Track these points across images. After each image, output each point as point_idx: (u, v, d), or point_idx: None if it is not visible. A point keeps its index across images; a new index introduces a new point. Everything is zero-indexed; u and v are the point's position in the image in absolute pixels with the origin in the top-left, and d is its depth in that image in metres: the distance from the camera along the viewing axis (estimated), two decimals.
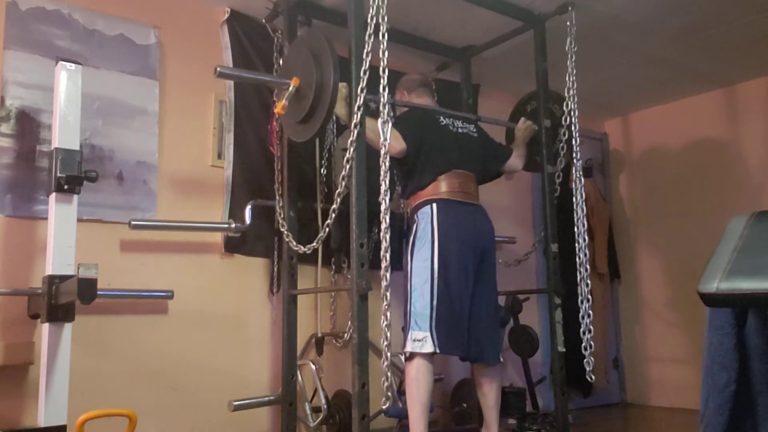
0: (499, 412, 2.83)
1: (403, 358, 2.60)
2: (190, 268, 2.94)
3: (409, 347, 2.55)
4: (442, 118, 2.90)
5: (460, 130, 2.91)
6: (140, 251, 2.82)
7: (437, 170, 2.74)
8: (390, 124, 2.43)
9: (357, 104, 2.36)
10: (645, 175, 4.73)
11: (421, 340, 2.54)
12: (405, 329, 2.62)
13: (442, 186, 2.73)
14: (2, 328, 2.46)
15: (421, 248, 2.64)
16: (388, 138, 2.36)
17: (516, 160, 3.15)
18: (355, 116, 2.37)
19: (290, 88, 2.46)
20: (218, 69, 2.43)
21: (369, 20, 2.37)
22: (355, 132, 2.37)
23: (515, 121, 3.32)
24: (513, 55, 3.63)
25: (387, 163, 2.32)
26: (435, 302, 2.56)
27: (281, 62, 3.05)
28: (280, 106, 2.45)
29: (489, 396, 2.78)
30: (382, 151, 2.34)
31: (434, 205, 2.68)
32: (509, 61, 3.74)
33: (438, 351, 2.54)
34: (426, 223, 2.67)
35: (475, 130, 3.01)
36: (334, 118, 3.29)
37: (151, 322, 2.80)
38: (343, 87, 2.41)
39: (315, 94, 2.40)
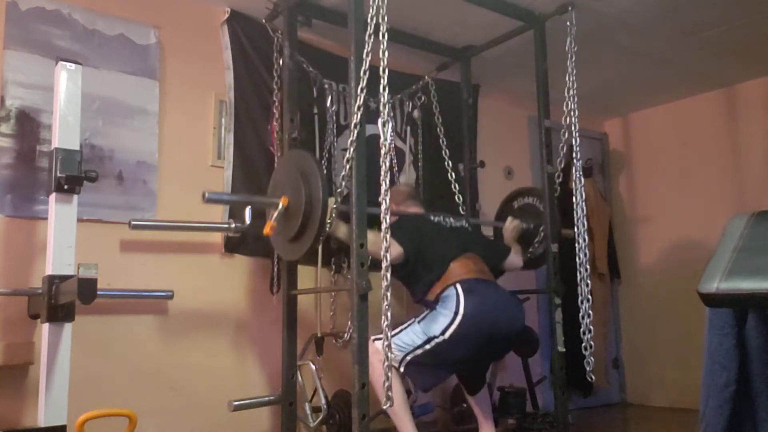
0: (490, 410, 2.90)
1: (386, 332, 2.46)
2: (190, 268, 2.93)
3: (381, 347, 2.43)
4: (433, 217, 2.92)
5: (454, 225, 2.94)
6: (140, 251, 2.82)
7: (446, 258, 2.69)
8: (390, 125, 2.43)
9: (357, 104, 2.36)
10: (645, 175, 4.73)
11: (396, 355, 2.55)
12: (398, 326, 2.63)
13: (457, 269, 2.66)
14: (2, 328, 2.46)
15: (444, 314, 2.56)
16: (388, 138, 2.36)
17: (515, 257, 3.13)
18: (356, 116, 2.36)
19: (279, 207, 2.43)
20: (206, 195, 2.35)
21: (369, 20, 2.37)
22: (355, 132, 2.37)
23: (503, 219, 3.35)
24: (513, 55, 3.63)
25: (387, 163, 2.32)
26: (426, 349, 2.55)
27: (282, 62, 3.05)
28: (268, 227, 2.39)
29: (476, 401, 2.88)
30: (384, 264, 2.22)
31: (458, 285, 2.60)
32: (509, 61, 3.74)
33: (401, 371, 2.59)
34: (452, 301, 2.56)
35: (468, 225, 3.04)
36: (334, 118, 3.33)
37: (151, 322, 2.80)
38: (331, 202, 2.39)
39: (305, 212, 2.37)
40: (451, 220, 2.96)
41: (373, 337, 2.50)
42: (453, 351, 2.55)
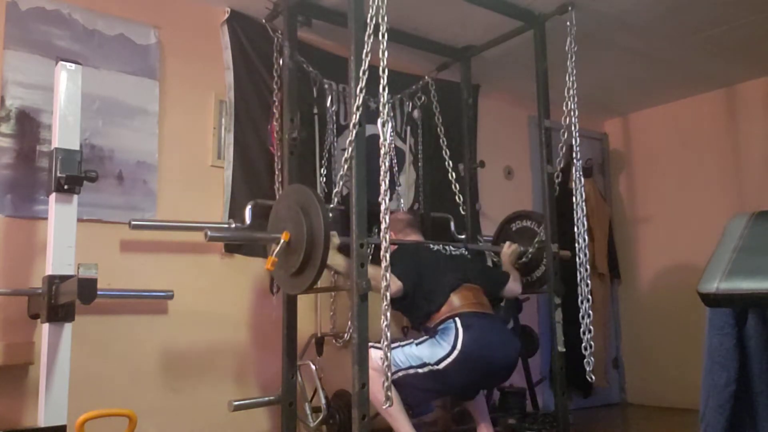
0: (487, 412, 2.91)
1: (386, 332, 2.43)
2: (190, 268, 2.93)
3: (375, 355, 2.45)
4: (432, 246, 2.92)
5: (454, 253, 2.94)
6: (140, 251, 2.82)
7: (446, 289, 2.69)
8: (390, 125, 2.43)
9: (357, 104, 2.35)
10: (645, 175, 4.73)
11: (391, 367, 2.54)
12: (406, 328, 2.64)
13: (457, 301, 2.67)
14: (2, 328, 2.46)
15: (441, 345, 2.56)
16: (388, 138, 2.36)
17: (514, 284, 3.12)
18: (355, 116, 2.36)
19: (281, 243, 2.42)
20: (208, 233, 2.36)
21: (369, 20, 2.37)
22: (355, 132, 2.37)
23: (501, 242, 3.35)
24: (513, 55, 3.63)
25: (387, 163, 2.32)
26: (419, 372, 2.55)
27: (282, 62, 3.04)
28: (269, 262, 2.39)
29: (475, 411, 2.90)
30: (384, 299, 2.21)
31: (458, 320, 2.60)
32: (509, 61, 3.74)
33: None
34: (450, 334, 2.57)
35: (467, 252, 3.04)
36: (334, 118, 3.32)
37: (151, 322, 2.80)
38: (334, 237, 2.39)
39: (306, 246, 2.35)
40: (451, 248, 2.96)
41: (370, 345, 2.50)
42: (444, 380, 2.56)
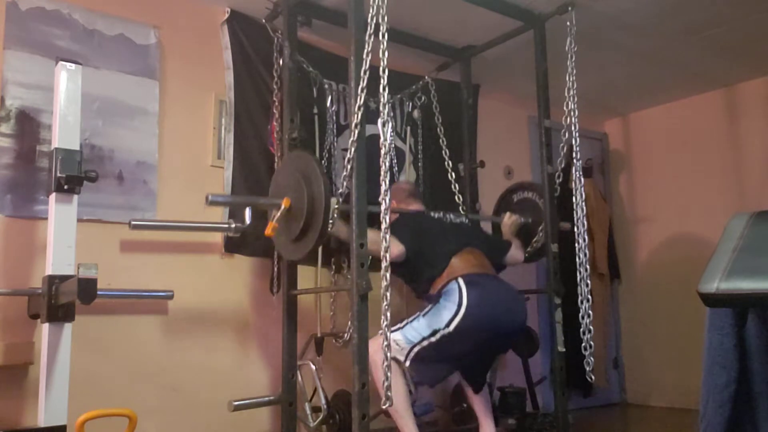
0: (491, 411, 2.90)
1: (386, 332, 2.43)
2: (190, 268, 2.93)
3: (392, 339, 2.48)
4: (433, 214, 2.93)
5: (455, 221, 2.95)
6: (140, 251, 2.82)
7: (448, 254, 2.70)
8: (390, 125, 2.43)
9: (357, 104, 2.36)
10: (645, 175, 4.73)
11: (400, 347, 2.57)
12: (403, 321, 2.64)
13: (458, 264, 2.67)
14: (2, 328, 2.46)
15: (447, 307, 2.56)
16: (388, 138, 2.36)
17: (517, 252, 3.14)
18: (356, 116, 2.36)
19: (281, 209, 2.44)
20: (209, 197, 2.38)
21: (369, 20, 2.37)
22: (356, 132, 2.37)
23: (501, 213, 3.36)
24: (513, 55, 3.63)
25: (387, 163, 2.32)
26: (432, 341, 2.55)
27: (282, 62, 3.04)
28: (270, 228, 2.41)
29: (477, 399, 2.88)
30: (384, 264, 2.22)
31: (460, 279, 2.61)
32: (509, 61, 3.74)
33: (406, 365, 2.58)
34: (455, 294, 2.58)
35: (468, 221, 3.04)
36: (334, 118, 3.32)
37: (151, 322, 2.80)
38: (333, 202, 2.40)
39: (307, 213, 2.38)
40: (451, 216, 2.97)
41: (380, 331, 2.50)
42: (458, 344, 2.55)
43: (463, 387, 2.97)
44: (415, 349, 2.57)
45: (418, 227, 2.78)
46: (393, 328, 2.60)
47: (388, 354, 2.17)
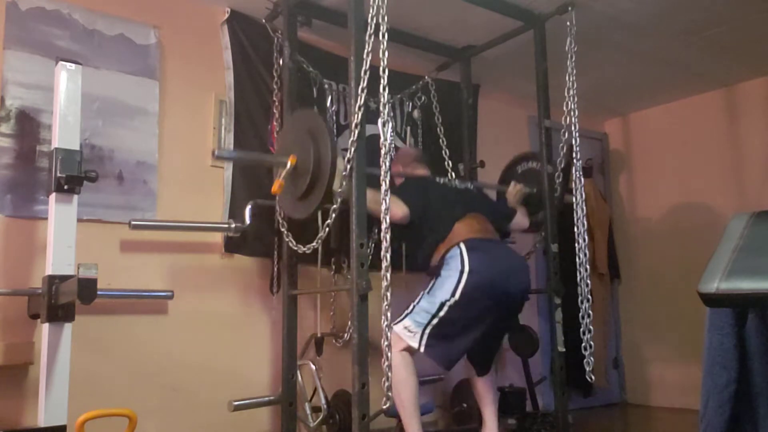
0: (497, 411, 2.86)
1: (386, 332, 2.44)
2: (190, 268, 2.93)
3: (399, 330, 2.54)
4: (439, 179, 2.94)
5: (460, 187, 2.95)
6: (140, 251, 2.82)
7: (452, 219, 2.69)
8: (390, 125, 2.43)
9: (357, 104, 2.36)
10: (645, 175, 4.73)
11: (412, 333, 2.55)
12: (409, 306, 2.63)
13: (462, 229, 2.67)
14: (2, 328, 2.46)
15: (450, 276, 2.57)
16: (388, 138, 2.36)
17: (522, 219, 3.15)
18: (356, 116, 2.36)
19: (288, 167, 2.44)
20: (215, 152, 2.44)
21: (369, 20, 2.37)
22: (356, 132, 2.37)
23: (507, 182, 3.33)
24: (513, 55, 3.63)
25: (387, 163, 2.32)
26: (441, 314, 2.54)
27: (282, 61, 3.04)
28: (277, 185, 2.41)
29: (485, 396, 2.83)
30: (384, 225, 2.24)
31: (462, 244, 2.61)
32: (509, 61, 3.74)
33: (421, 351, 2.54)
34: (456, 261, 2.58)
35: (473, 188, 3.04)
36: (334, 118, 3.32)
37: (151, 322, 2.80)
38: (340, 161, 2.40)
39: (313, 171, 2.38)
40: (457, 182, 2.97)
41: (395, 323, 2.50)
42: (465, 312, 2.54)
43: (470, 380, 2.89)
44: (427, 331, 2.54)
45: (423, 191, 2.78)
46: (401, 317, 2.60)
47: (389, 354, 2.17)
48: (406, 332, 2.55)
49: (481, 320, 2.60)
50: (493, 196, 3.36)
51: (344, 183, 2.39)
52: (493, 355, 2.90)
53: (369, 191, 2.39)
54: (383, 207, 2.24)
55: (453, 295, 2.52)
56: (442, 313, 2.54)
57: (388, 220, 2.20)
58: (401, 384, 2.50)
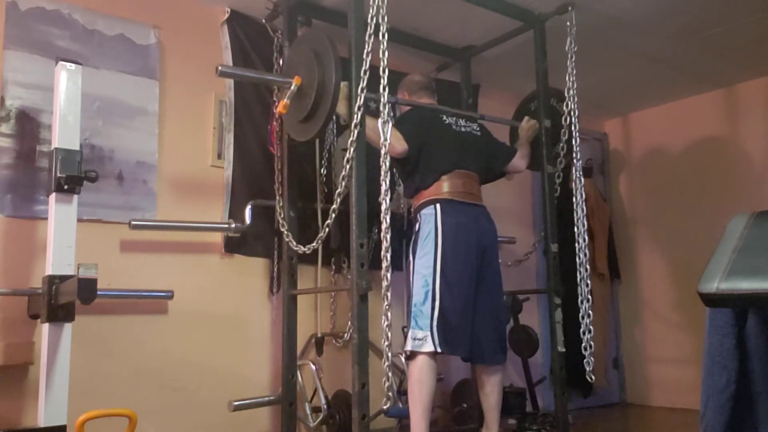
0: (500, 413, 2.84)
1: (403, 357, 2.59)
2: (190, 268, 2.93)
3: (410, 346, 2.55)
4: (445, 117, 2.88)
5: (463, 129, 2.90)
6: (140, 251, 2.82)
7: (440, 170, 2.73)
8: (390, 124, 2.43)
9: (357, 104, 2.36)
10: (645, 175, 4.73)
11: (422, 339, 2.53)
12: (406, 329, 2.63)
13: (446, 186, 2.71)
14: (2, 328, 2.46)
15: (424, 248, 2.63)
16: (388, 138, 2.36)
17: (520, 161, 3.13)
18: (356, 116, 2.37)
19: (292, 87, 2.45)
20: (219, 68, 2.44)
21: (369, 20, 2.37)
22: (356, 132, 2.37)
23: (519, 120, 3.31)
24: (513, 55, 3.63)
25: (387, 163, 2.32)
26: (437, 302, 2.55)
27: (282, 61, 3.05)
28: (282, 105, 2.43)
29: (491, 396, 2.78)
30: (383, 152, 2.33)
31: (438, 205, 2.67)
32: (509, 61, 3.74)
33: (438, 350, 2.52)
34: (429, 223, 2.65)
35: (478, 128, 2.99)
36: (335, 117, 3.32)
37: (151, 322, 2.80)
38: (344, 86, 2.40)
39: (317, 92, 2.39)
40: (462, 122, 2.92)
41: (409, 349, 2.55)
42: (451, 278, 2.57)
43: (480, 376, 2.80)
44: (434, 324, 2.53)
45: (425, 130, 2.76)
46: (408, 330, 2.60)
47: (389, 354, 2.17)
48: (418, 343, 2.53)
49: (465, 276, 2.62)
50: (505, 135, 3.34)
51: (346, 106, 2.41)
52: (501, 336, 2.80)
53: (369, 120, 2.42)
54: (383, 207, 2.24)
55: (435, 263, 2.57)
56: (437, 303, 2.55)
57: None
58: (418, 383, 2.51)
